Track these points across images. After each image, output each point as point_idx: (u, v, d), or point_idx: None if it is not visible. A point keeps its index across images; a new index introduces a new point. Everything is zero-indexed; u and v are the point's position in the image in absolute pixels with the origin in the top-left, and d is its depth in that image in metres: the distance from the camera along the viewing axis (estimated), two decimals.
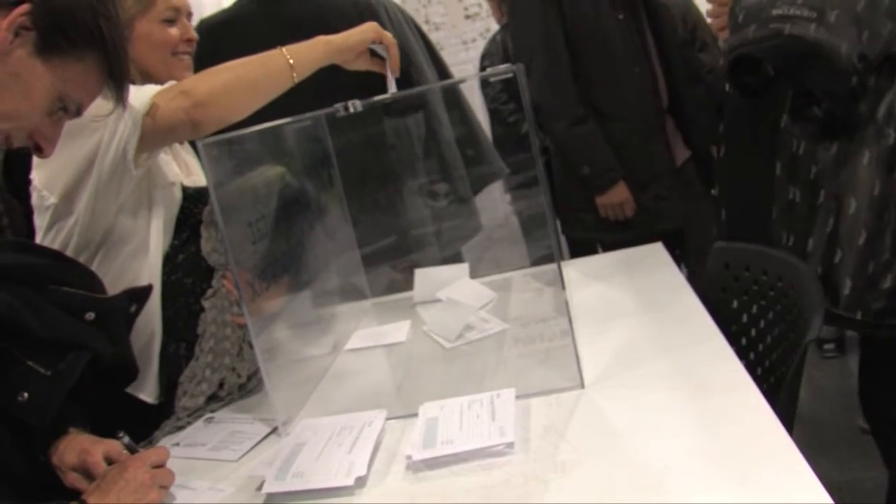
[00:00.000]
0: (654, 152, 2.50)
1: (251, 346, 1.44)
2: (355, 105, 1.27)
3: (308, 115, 1.36)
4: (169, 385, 1.49)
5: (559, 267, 1.25)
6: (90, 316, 1.27)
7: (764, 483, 0.87)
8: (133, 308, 1.37)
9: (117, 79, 1.14)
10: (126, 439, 1.26)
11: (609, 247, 2.55)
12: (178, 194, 1.49)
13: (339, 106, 1.28)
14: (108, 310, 1.30)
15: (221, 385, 1.51)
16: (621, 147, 2.47)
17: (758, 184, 1.61)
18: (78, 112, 1.15)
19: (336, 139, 1.88)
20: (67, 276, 1.28)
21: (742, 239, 1.63)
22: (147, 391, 1.47)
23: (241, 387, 1.54)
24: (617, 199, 2.49)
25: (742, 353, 1.18)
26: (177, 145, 1.58)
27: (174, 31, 1.51)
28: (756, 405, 1.05)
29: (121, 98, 1.18)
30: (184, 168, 1.56)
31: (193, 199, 1.50)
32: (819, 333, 1.14)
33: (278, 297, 1.48)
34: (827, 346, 3.20)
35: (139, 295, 1.39)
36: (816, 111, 1.49)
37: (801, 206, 1.51)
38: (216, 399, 1.52)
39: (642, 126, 2.48)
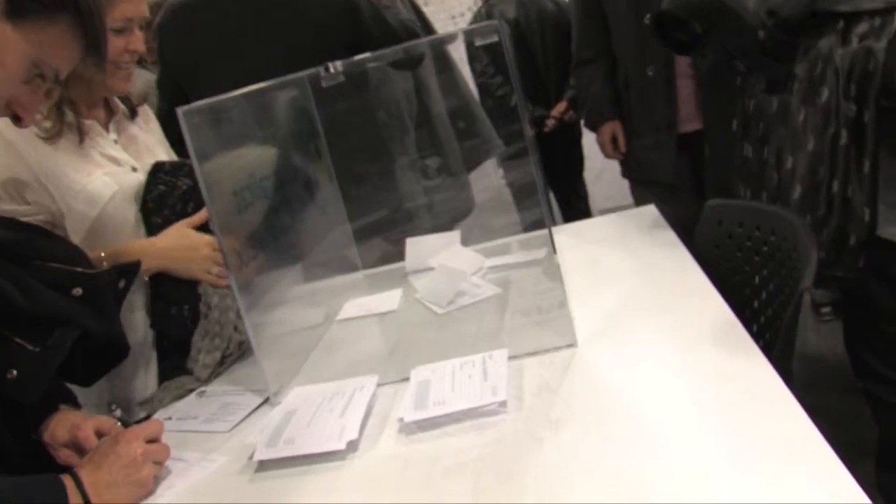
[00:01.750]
0: (652, 104, 2.53)
1: None
2: (336, 67, 1.25)
3: (291, 76, 1.34)
4: (171, 347, 1.48)
5: (549, 230, 1.24)
6: (77, 292, 1.25)
7: (761, 431, 0.86)
8: (122, 283, 1.35)
9: (94, 42, 1.11)
10: (118, 413, 1.25)
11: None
12: (131, 177, 1.47)
13: (320, 68, 1.25)
14: (96, 285, 1.28)
15: (229, 345, 1.50)
16: (622, 93, 2.63)
17: (726, 141, 1.63)
18: (56, 79, 1.12)
19: (325, 114, 1.85)
20: (53, 251, 1.26)
21: (720, 195, 1.65)
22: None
23: (240, 344, 1.53)
24: (601, 138, 2.73)
25: (738, 310, 1.17)
26: (134, 130, 1.57)
27: (120, 41, 1.46)
28: (752, 358, 1.04)
29: (100, 63, 1.16)
30: (145, 153, 1.55)
31: (172, 173, 1.48)
32: (812, 282, 1.12)
33: (266, 267, 1.47)
34: (824, 310, 3.18)
35: (127, 270, 1.37)
36: (739, 66, 1.52)
37: (753, 161, 1.56)
38: (222, 364, 1.51)
39: (643, 76, 2.51)
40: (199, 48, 1.99)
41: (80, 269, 1.28)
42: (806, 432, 0.84)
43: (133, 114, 1.58)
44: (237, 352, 1.53)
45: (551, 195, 3.94)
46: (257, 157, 1.50)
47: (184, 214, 1.48)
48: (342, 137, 1.94)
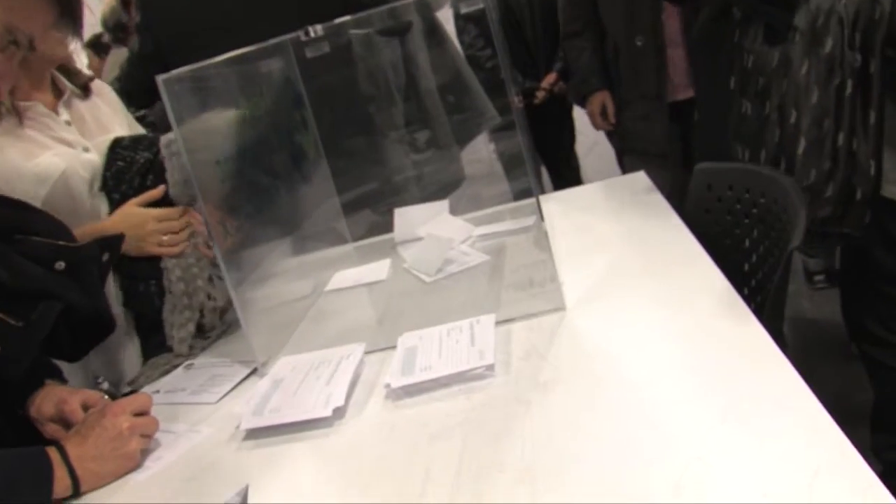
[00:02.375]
0: (642, 74, 2.51)
1: (220, 278, 1.43)
2: (316, 31, 1.23)
3: (273, 40, 1.31)
4: (150, 326, 1.46)
5: (537, 197, 1.23)
6: (60, 265, 1.23)
7: (751, 389, 0.85)
8: (105, 257, 1.33)
9: (67, 6, 1.08)
10: (106, 386, 1.24)
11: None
12: (83, 157, 1.44)
13: (300, 32, 1.23)
14: (79, 259, 1.26)
15: (203, 314, 1.48)
16: (611, 63, 2.63)
17: (719, 103, 1.60)
18: (31, 46, 1.09)
19: (311, 86, 1.83)
20: (35, 225, 1.24)
21: (710, 159, 1.62)
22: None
23: (222, 313, 1.52)
24: (590, 108, 2.73)
25: (729, 273, 1.16)
26: (86, 108, 1.54)
27: None
28: (742, 319, 1.02)
29: (76, 29, 1.14)
30: (99, 132, 1.52)
31: (132, 147, 1.46)
32: (801, 240, 1.11)
33: (255, 240, 1.45)
34: (817, 278, 3.17)
35: (111, 243, 1.35)
36: (736, 13, 1.51)
37: (751, 118, 1.52)
38: (202, 335, 1.50)
39: (632, 46, 2.50)
40: (184, 19, 1.96)
41: (62, 243, 1.26)
42: (796, 390, 0.83)
43: (86, 91, 1.54)
44: (217, 321, 1.51)
45: (543, 170, 3.92)
46: (233, 124, 1.48)
47: (142, 188, 1.45)
48: (329, 111, 1.92)
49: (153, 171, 1.45)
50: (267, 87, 1.68)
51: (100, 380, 1.23)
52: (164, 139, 1.43)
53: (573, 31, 2.69)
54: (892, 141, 1.35)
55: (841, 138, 1.35)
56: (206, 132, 1.38)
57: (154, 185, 1.45)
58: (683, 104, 2.49)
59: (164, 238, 1.44)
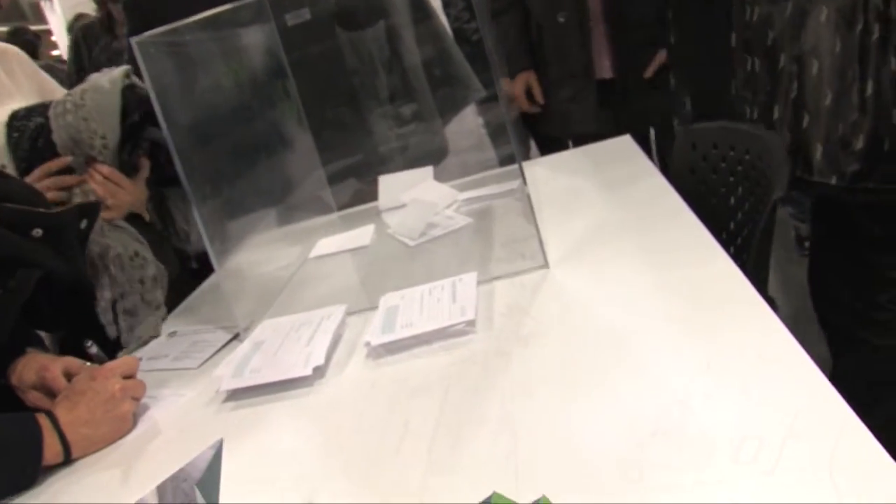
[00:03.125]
0: (566, 51, 2.45)
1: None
2: None
3: None
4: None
5: (519, 161, 1.22)
6: (38, 232, 1.21)
7: (735, 338, 0.84)
8: (83, 224, 1.32)
9: None
10: (94, 349, 1.22)
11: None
12: None
13: None
14: (56, 225, 1.25)
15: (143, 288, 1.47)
16: (536, 44, 2.54)
17: (715, 61, 1.56)
18: None
19: (293, 58, 1.81)
20: (10, 192, 1.22)
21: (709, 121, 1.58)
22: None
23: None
24: (514, 89, 2.60)
25: (716, 233, 1.14)
26: None
27: None
28: (726, 272, 1.01)
29: None
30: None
31: (26, 116, 1.43)
32: (784, 191, 1.10)
33: (239, 209, 1.44)
34: (808, 244, 3.17)
35: (89, 210, 1.34)
36: None
37: (760, 75, 1.45)
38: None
39: (554, 24, 2.43)
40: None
41: (40, 210, 1.24)
42: (780, 339, 0.82)
43: None
44: (163, 285, 1.50)
45: (533, 144, 3.89)
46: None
47: (32, 151, 1.41)
48: (313, 82, 1.90)
49: (42, 136, 1.42)
50: (248, 54, 1.66)
51: (88, 343, 1.21)
52: (54, 102, 1.41)
53: (499, 8, 2.59)
54: None
55: (869, 87, 1.29)
56: (95, 91, 1.36)
57: (44, 147, 1.41)
58: (609, 83, 2.45)
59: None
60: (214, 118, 1.44)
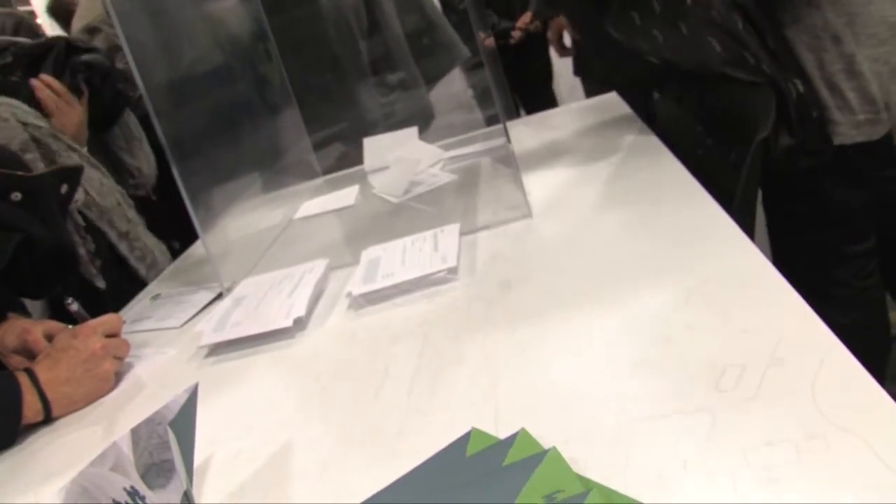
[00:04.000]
0: None
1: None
2: None
3: None
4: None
5: (503, 119, 1.20)
6: (17, 196, 1.20)
7: (716, 269, 0.83)
8: (64, 188, 1.30)
9: None
10: (75, 306, 1.20)
11: None
12: None
13: None
14: (36, 189, 1.23)
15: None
16: None
17: None
18: None
19: (275, 20, 1.79)
20: None
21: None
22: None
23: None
24: (549, 34, 2.70)
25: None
26: None
27: None
28: (709, 209, 1.00)
29: None
30: None
31: None
32: (768, 131, 1.08)
33: (223, 175, 1.43)
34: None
35: (70, 174, 1.32)
36: None
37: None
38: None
39: None
40: None
41: (18, 173, 1.23)
42: (762, 269, 0.81)
43: None
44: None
45: (524, 113, 3.88)
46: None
47: None
48: (297, 53, 1.88)
49: None
50: (227, 16, 1.64)
51: (69, 300, 1.19)
52: None
53: None
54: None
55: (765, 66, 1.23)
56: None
57: None
58: None
59: None
60: (193, 78, 1.42)
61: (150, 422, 0.70)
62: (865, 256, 1.40)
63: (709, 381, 0.64)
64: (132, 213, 1.61)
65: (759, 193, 1.36)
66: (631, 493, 0.54)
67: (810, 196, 1.38)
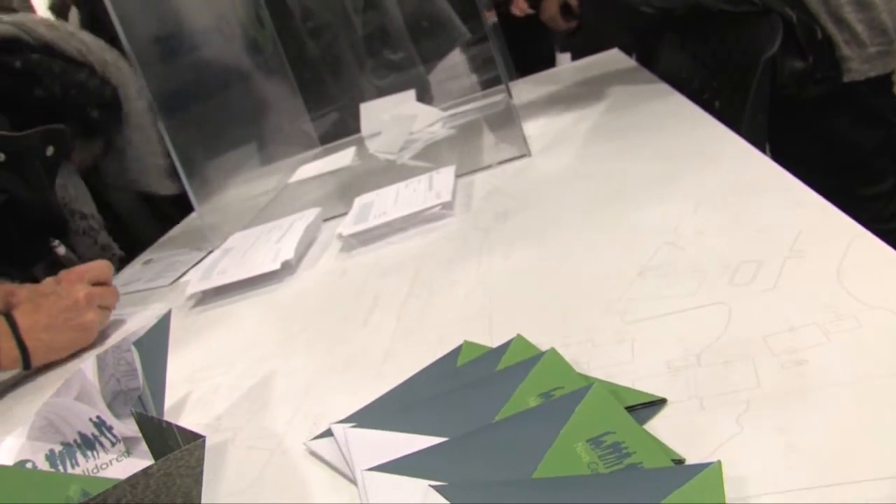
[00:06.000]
0: None
1: None
2: None
3: None
4: None
5: (503, 72, 1.15)
6: (0, 157, 1.15)
7: (724, 180, 0.77)
8: (49, 150, 1.25)
9: None
10: (63, 249, 1.15)
11: None
12: None
13: None
14: (20, 150, 1.18)
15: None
16: None
17: None
18: None
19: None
20: None
21: None
22: None
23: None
24: (547, 9, 2.54)
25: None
26: None
27: None
28: (716, 132, 0.94)
29: None
30: None
31: None
32: (775, 48, 1.01)
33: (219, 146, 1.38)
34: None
35: (55, 136, 1.27)
36: None
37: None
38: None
39: None
40: None
41: (1, 133, 1.18)
42: (775, 173, 0.75)
43: None
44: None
45: None
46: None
47: None
48: (294, 39, 1.85)
49: None
50: None
51: (55, 243, 1.14)
52: None
53: None
54: None
55: None
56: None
57: None
58: None
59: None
60: (184, 43, 1.37)
61: (118, 348, 0.64)
62: (884, 198, 1.34)
63: (722, 278, 0.59)
64: None
65: (767, 147, 1.30)
66: (638, 388, 0.49)
67: (820, 140, 1.32)
